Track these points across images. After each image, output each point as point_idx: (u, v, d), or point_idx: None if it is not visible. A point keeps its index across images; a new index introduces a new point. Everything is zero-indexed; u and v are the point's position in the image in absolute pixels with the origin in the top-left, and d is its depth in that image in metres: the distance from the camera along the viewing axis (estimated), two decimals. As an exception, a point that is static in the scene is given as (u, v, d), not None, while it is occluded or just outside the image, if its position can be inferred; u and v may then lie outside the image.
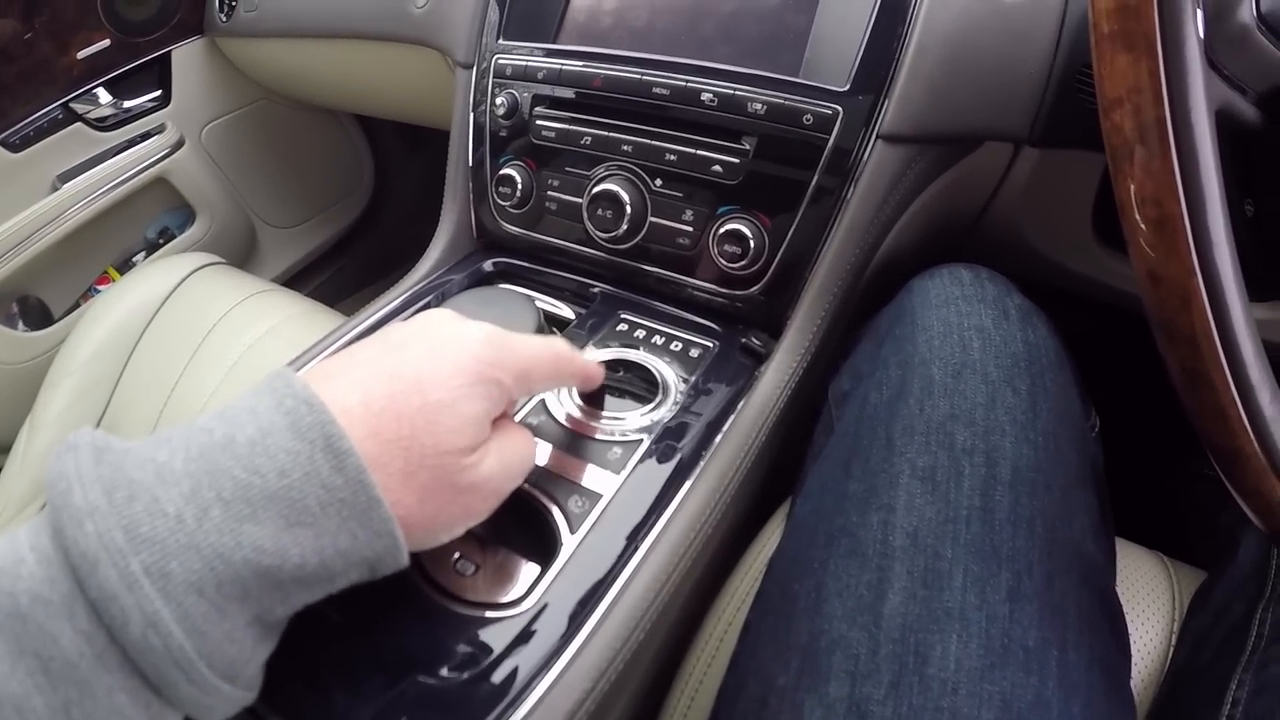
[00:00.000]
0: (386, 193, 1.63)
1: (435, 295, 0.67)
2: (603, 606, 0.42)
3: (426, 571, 0.43)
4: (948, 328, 0.53)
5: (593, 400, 0.53)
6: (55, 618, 0.27)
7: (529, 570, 0.44)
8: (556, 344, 0.44)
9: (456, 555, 0.45)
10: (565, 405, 0.53)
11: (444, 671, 0.39)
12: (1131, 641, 0.48)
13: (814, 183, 0.57)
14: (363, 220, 1.60)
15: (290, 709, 0.37)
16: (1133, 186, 0.33)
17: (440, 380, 0.36)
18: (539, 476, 0.48)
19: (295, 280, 1.50)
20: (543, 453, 0.50)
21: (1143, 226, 0.33)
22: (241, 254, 1.39)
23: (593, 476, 0.48)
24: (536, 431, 0.51)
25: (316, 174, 1.51)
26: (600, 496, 0.47)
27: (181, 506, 0.29)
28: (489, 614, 0.41)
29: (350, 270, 1.58)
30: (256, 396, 0.33)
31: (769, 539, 0.61)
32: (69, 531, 0.28)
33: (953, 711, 0.37)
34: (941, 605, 0.40)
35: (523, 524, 0.46)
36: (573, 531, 0.45)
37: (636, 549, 0.45)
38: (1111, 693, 0.41)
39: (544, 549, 0.45)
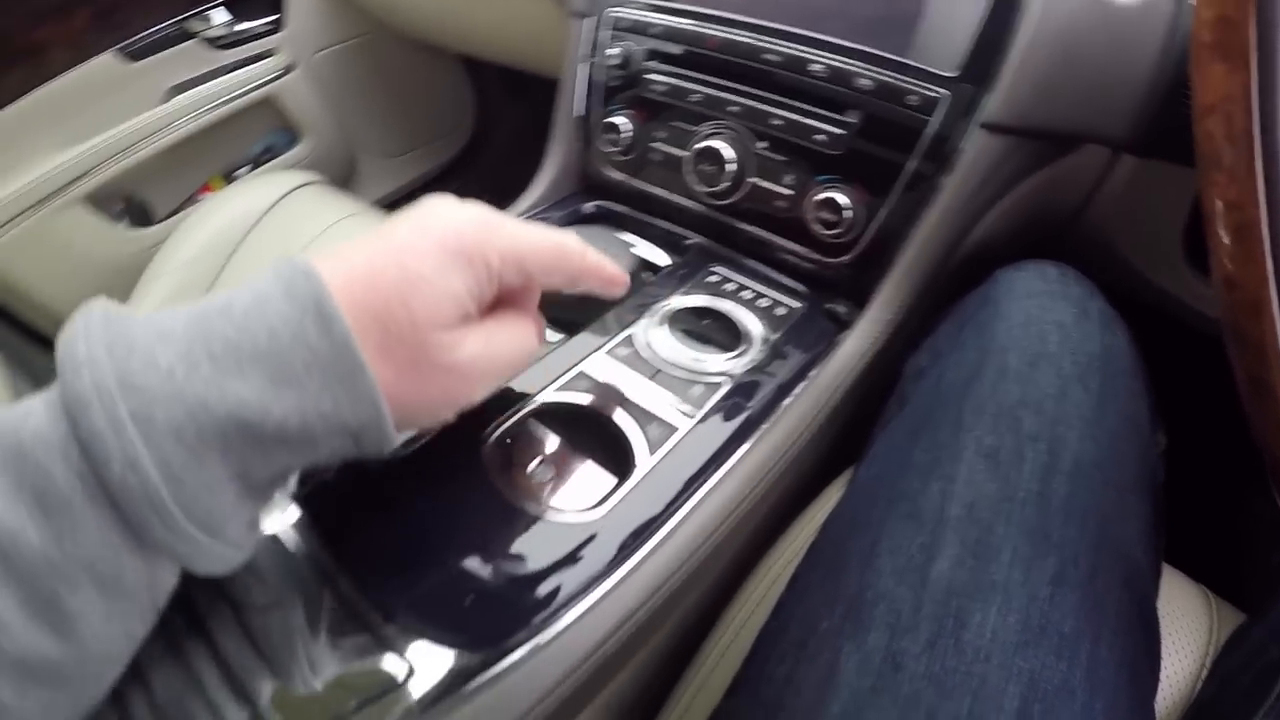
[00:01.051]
0: (486, 134, 1.67)
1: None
2: (661, 533, 0.44)
3: (507, 473, 0.46)
4: (1028, 319, 0.53)
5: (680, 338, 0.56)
6: (52, 455, 0.29)
7: (602, 484, 0.46)
8: (564, 236, 0.42)
9: (538, 460, 0.47)
10: (655, 344, 0.55)
11: (503, 566, 0.41)
12: (1161, 665, 0.48)
13: (912, 162, 0.58)
14: (460, 158, 1.65)
15: (358, 569, 0.40)
16: (1217, 193, 0.33)
17: (419, 252, 0.35)
18: (622, 401, 0.51)
19: (390, 209, 1.53)
20: (630, 381, 0.52)
21: (1223, 233, 0.33)
22: (341, 178, 1.44)
23: (672, 410, 0.51)
24: (624, 360, 0.54)
25: (419, 109, 1.55)
26: (676, 429, 0.49)
27: (174, 361, 0.30)
28: (557, 519, 0.44)
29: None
30: (260, 273, 0.34)
31: (827, 501, 0.62)
32: (69, 379, 0.30)
33: (982, 678, 0.37)
34: (987, 576, 0.41)
35: (602, 442, 0.49)
36: (651, 453, 0.48)
37: (702, 485, 0.47)
38: (1136, 702, 0.42)
39: (620, 466, 0.47)
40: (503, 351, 0.39)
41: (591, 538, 0.43)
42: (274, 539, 0.42)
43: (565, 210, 0.73)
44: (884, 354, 0.61)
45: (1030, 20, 0.56)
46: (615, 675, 0.44)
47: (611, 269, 0.45)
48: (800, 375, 0.56)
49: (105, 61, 1.16)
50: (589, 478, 0.47)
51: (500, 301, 0.41)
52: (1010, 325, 0.53)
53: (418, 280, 0.35)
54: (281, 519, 0.43)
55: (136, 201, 1.25)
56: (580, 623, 0.40)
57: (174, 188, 1.28)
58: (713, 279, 0.63)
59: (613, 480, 0.47)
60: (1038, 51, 0.56)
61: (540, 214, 0.73)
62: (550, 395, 0.51)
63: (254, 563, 0.39)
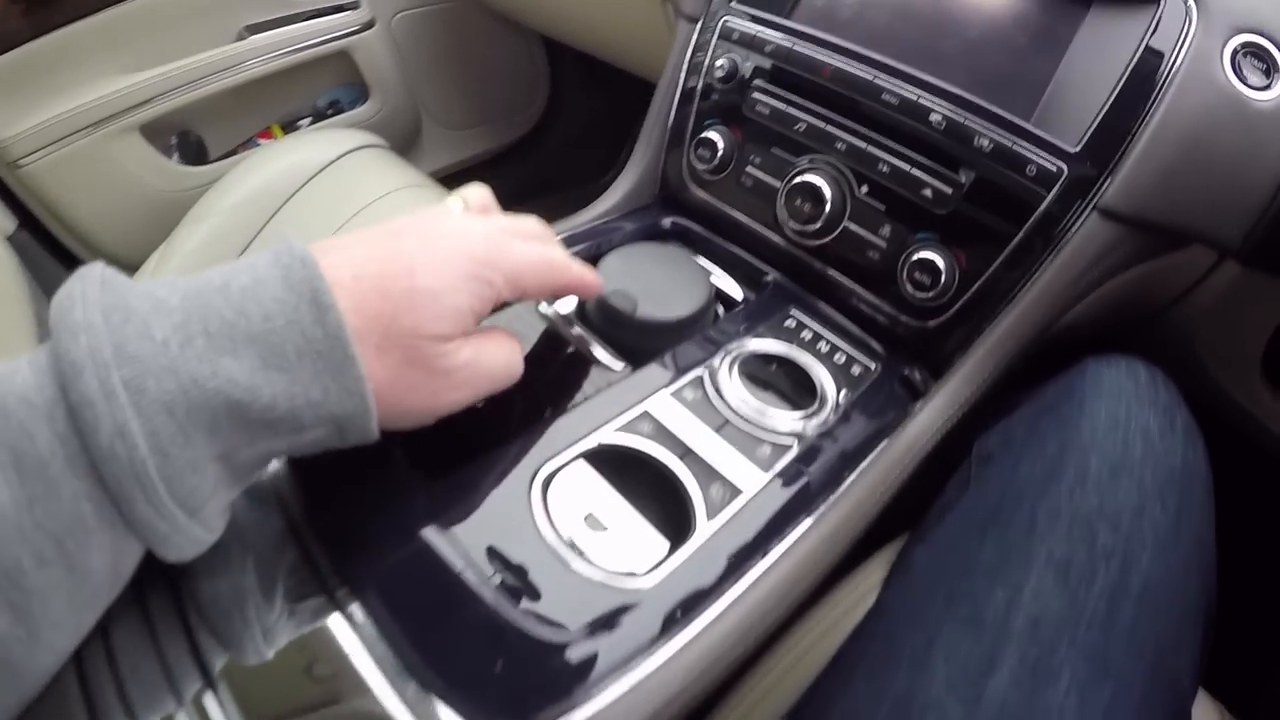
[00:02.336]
0: (555, 118, 1.63)
1: (604, 239, 0.65)
2: (711, 612, 0.41)
3: (554, 522, 0.43)
4: (1114, 421, 0.51)
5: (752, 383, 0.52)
6: (36, 418, 0.29)
7: (654, 546, 0.43)
8: (551, 250, 0.44)
9: (589, 512, 0.44)
10: (726, 392, 0.51)
11: (537, 627, 0.38)
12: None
13: (1020, 236, 0.54)
14: (526, 140, 1.62)
15: (382, 611, 0.38)
16: None
17: (432, 269, 0.37)
18: (686, 453, 0.47)
19: (446, 181, 1.49)
20: (695, 430, 0.49)
21: None
22: (403, 143, 1.41)
23: (738, 469, 0.47)
24: (691, 406, 0.50)
25: (492, 84, 1.52)
26: (740, 493, 0.46)
27: (169, 334, 0.31)
28: (602, 579, 0.41)
29: (502, 186, 1.57)
30: (259, 255, 0.34)
31: (872, 573, 0.59)
32: (63, 343, 0.29)
33: None
34: (1042, 700, 0.40)
35: (662, 498, 0.45)
36: (709, 519, 0.44)
37: (758, 562, 0.44)
38: None
39: (678, 529, 0.44)
40: (491, 364, 0.41)
41: (636, 606, 0.40)
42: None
43: (641, 223, 0.69)
44: (955, 429, 0.57)
45: (1162, 105, 0.52)
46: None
47: (591, 276, 0.47)
48: (869, 446, 0.52)
49: (184, -12, 1.14)
50: (641, 536, 0.44)
51: None
52: (1095, 425, 0.52)
53: (427, 294, 0.36)
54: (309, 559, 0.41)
55: (193, 138, 1.22)
56: (615, 705, 0.37)
57: (232, 128, 1.25)
58: (789, 323, 0.59)
59: (665, 544, 0.43)
60: (1166, 140, 0.52)
61: (614, 221, 0.69)
62: (609, 435, 0.47)
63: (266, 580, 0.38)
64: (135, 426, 0.29)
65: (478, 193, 0.49)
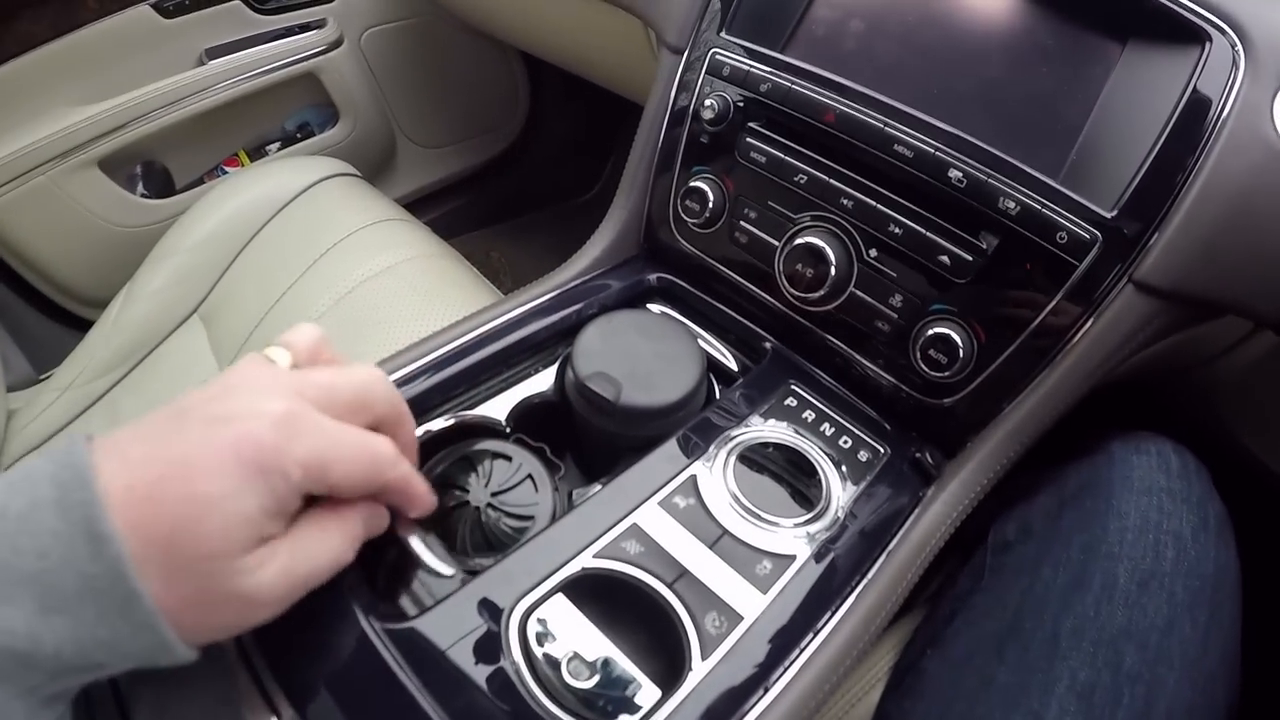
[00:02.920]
0: (535, 135, 1.57)
1: (587, 302, 0.59)
2: None
3: (536, 666, 0.38)
4: (1145, 523, 0.49)
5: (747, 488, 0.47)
6: None
7: (648, 691, 0.38)
8: (378, 443, 0.36)
9: (572, 654, 0.39)
10: (720, 495, 0.46)
11: None
12: None
13: (1048, 310, 0.48)
14: (505, 157, 1.55)
15: None
16: None
17: (210, 468, 0.30)
18: (680, 577, 0.42)
19: (423, 202, 1.46)
20: (691, 549, 0.43)
21: None
22: (377, 165, 1.35)
23: (737, 592, 0.42)
24: (683, 517, 0.45)
25: (469, 101, 1.46)
26: (741, 619, 0.41)
27: None
28: None
29: (480, 203, 1.54)
30: (46, 458, 0.30)
31: (877, 665, 0.55)
32: None
33: None
34: None
35: (653, 632, 0.40)
36: (704, 658, 0.39)
37: (761, 700, 0.39)
38: None
39: (669, 669, 0.39)
40: (305, 568, 0.34)
41: None
42: None
43: (625, 280, 0.63)
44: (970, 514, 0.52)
45: (1208, 164, 0.45)
46: None
47: (420, 488, 0.39)
48: (880, 546, 0.47)
49: (140, 14, 1.08)
50: (629, 680, 0.38)
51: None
52: (1124, 527, 0.49)
53: (205, 504, 0.30)
54: None
55: (158, 167, 1.16)
56: None
57: (198, 156, 1.20)
58: (791, 402, 0.54)
59: (656, 692, 0.38)
60: (1211, 204, 0.45)
61: (596, 279, 0.63)
62: (590, 559, 0.42)
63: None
64: None
65: (304, 338, 0.39)
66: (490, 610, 0.39)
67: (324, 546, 0.35)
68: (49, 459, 0.30)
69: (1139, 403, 0.62)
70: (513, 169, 1.56)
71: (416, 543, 0.42)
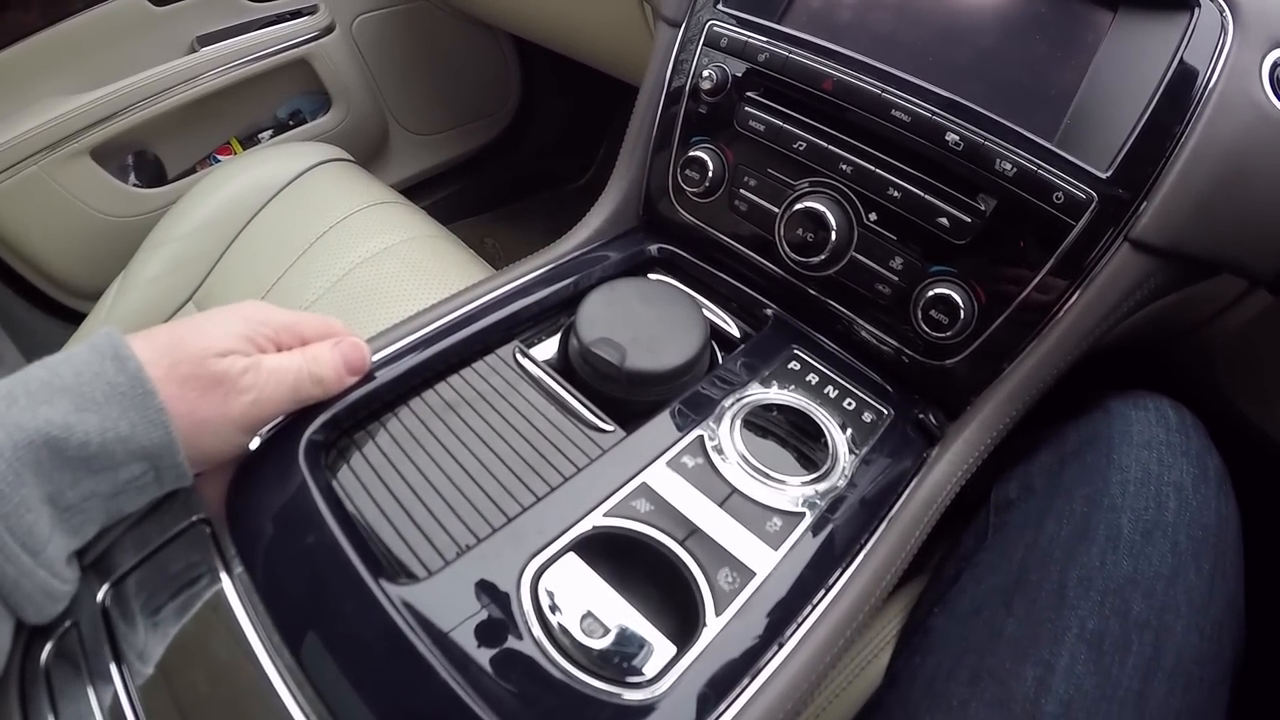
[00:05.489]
0: (528, 120, 1.56)
1: (586, 273, 0.60)
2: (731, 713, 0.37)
3: (550, 627, 0.38)
4: (1146, 475, 0.49)
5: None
6: None
7: (662, 648, 0.38)
8: (331, 320, 0.48)
9: (586, 612, 0.39)
10: (728, 455, 0.46)
11: None
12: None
13: (1046, 269, 0.49)
14: (498, 143, 1.55)
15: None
16: None
17: (210, 314, 0.44)
18: (690, 532, 0.42)
19: (417, 189, 1.45)
20: (698, 506, 0.44)
21: None
22: (369, 152, 1.34)
23: (748, 548, 0.42)
24: (692, 476, 0.45)
25: (461, 87, 1.45)
26: (754, 575, 0.41)
27: None
28: (606, 688, 0.36)
29: (473, 190, 1.53)
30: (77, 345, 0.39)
31: (885, 629, 0.56)
32: None
33: None
34: None
35: (666, 589, 0.41)
36: (718, 613, 0.39)
37: (775, 656, 0.39)
38: None
39: (684, 625, 0.39)
40: (272, 369, 0.43)
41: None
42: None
43: (626, 251, 0.63)
44: (974, 476, 0.52)
45: (1199, 125, 0.46)
46: None
47: (360, 355, 0.48)
48: (885, 507, 0.47)
49: (131, 1, 1.07)
50: (644, 637, 0.39)
51: None
52: (1125, 479, 0.49)
53: (204, 323, 0.42)
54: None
55: (150, 156, 1.16)
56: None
57: (191, 145, 1.19)
58: (794, 365, 0.54)
59: (671, 649, 0.38)
60: (1203, 164, 0.46)
61: (597, 250, 0.63)
62: (602, 519, 0.42)
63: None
64: None
65: None
66: (502, 571, 0.39)
67: (283, 359, 0.44)
68: (81, 342, 0.39)
69: (1137, 366, 0.62)
70: (506, 155, 1.55)
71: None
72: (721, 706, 0.37)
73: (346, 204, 0.97)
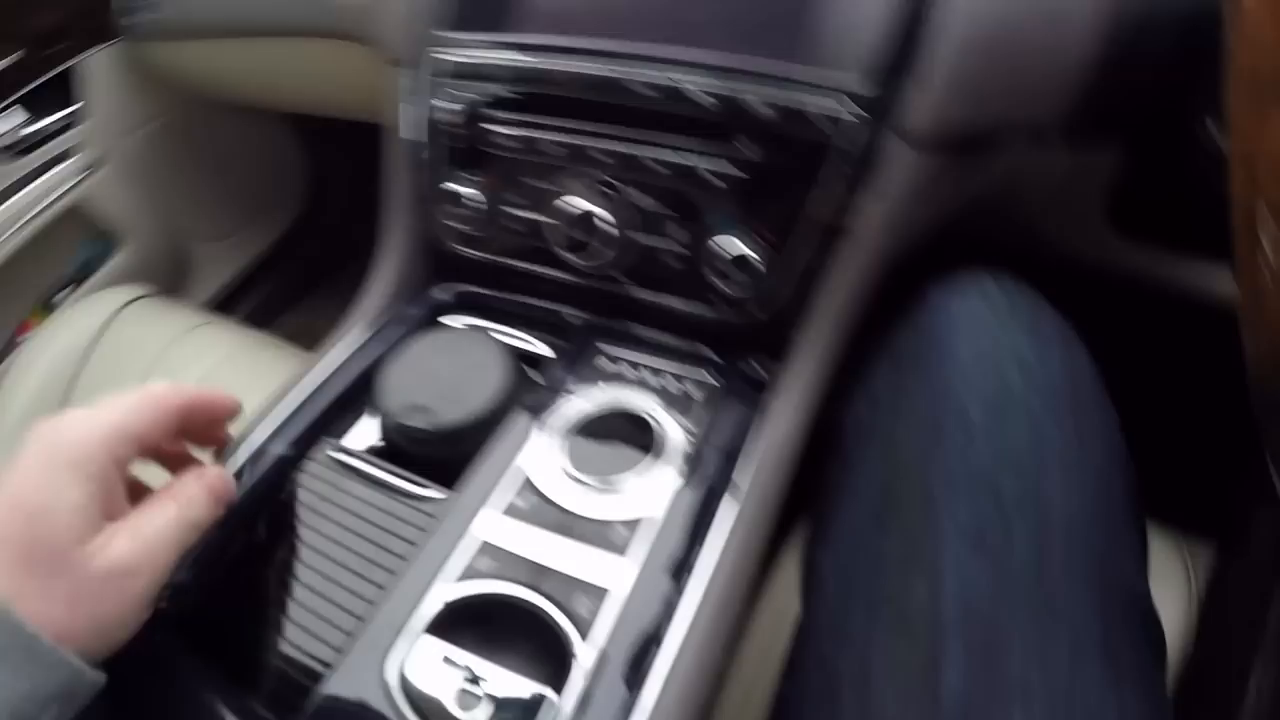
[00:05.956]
0: (324, 191, 1.50)
1: (385, 342, 0.58)
2: None
3: (422, 706, 0.37)
4: (981, 358, 0.48)
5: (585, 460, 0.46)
6: None
7: (549, 698, 0.37)
8: (151, 386, 0.41)
9: (459, 690, 0.37)
10: (554, 478, 0.45)
11: None
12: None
13: (818, 189, 0.49)
14: (301, 222, 1.48)
15: None
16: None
17: (32, 483, 0.34)
18: (533, 574, 0.41)
19: (236, 295, 1.38)
20: (543, 543, 0.43)
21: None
22: (173, 276, 1.28)
23: (598, 567, 0.41)
24: (526, 515, 0.44)
25: (247, 180, 1.38)
26: (606, 592, 0.40)
27: None
28: None
29: (294, 276, 1.47)
30: None
31: (784, 585, 0.55)
32: None
33: None
34: (1003, 679, 0.37)
35: (530, 638, 0.39)
36: (584, 638, 0.38)
37: (660, 648, 0.38)
38: (1155, 714, 0.40)
39: (559, 668, 0.38)
40: (153, 528, 0.37)
41: None
42: None
43: (419, 307, 0.61)
44: (818, 410, 0.53)
45: (942, 8, 0.46)
46: None
47: (215, 394, 0.44)
48: (732, 468, 0.47)
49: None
50: (522, 694, 0.37)
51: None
52: (962, 367, 0.48)
53: (43, 514, 0.34)
54: None
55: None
56: None
57: (-11, 333, 1.11)
58: (603, 364, 0.53)
59: (551, 693, 0.37)
60: (954, 37, 0.46)
61: (398, 315, 0.61)
62: (450, 588, 0.41)
63: None
64: None
65: None
66: (366, 684, 0.38)
67: (161, 509, 0.38)
68: None
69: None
70: (314, 230, 1.49)
71: None
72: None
73: (157, 340, 0.93)
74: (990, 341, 0.48)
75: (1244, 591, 0.49)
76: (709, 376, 0.52)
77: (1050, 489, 0.43)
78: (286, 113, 1.33)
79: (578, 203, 0.53)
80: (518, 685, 0.37)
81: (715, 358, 0.53)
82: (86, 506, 0.35)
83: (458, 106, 0.58)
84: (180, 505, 0.39)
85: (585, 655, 0.38)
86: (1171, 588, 0.54)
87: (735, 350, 0.54)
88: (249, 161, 1.37)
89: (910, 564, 0.42)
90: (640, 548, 0.42)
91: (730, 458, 0.47)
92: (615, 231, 0.53)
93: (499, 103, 0.57)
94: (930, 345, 0.50)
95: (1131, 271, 0.66)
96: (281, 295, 1.44)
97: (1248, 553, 0.50)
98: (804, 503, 0.53)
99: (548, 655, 0.39)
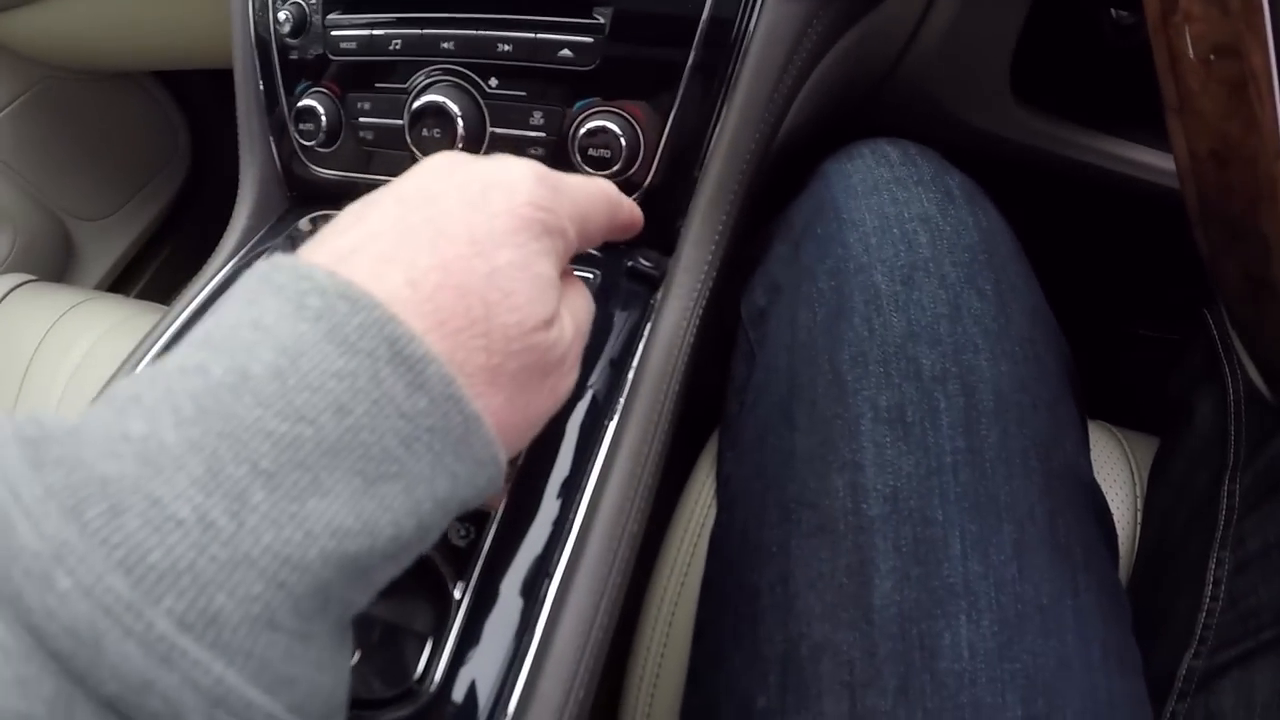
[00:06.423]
0: (207, 155, 1.41)
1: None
2: (528, 661, 0.32)
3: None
4: (884, 220, 0.43)
5: None
6: None
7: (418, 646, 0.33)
8: (605, 184, 0.34)
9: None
10: None
11: None
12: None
13: (691, 59, 0.45)
14: (187, 189, 1.40)
15: None
16: (1196, 32, 0.25)
17: (502, 236, 0.26)
18: None
19: (127, 274, 1.32)
20: None
21: (1208, 89, 0.25)
22: (59, 261, 1.21)
23: None
24: None
25: (127, 149, 1.30)
26: (485, 515, 0.36)
27: (201, 501, 0.18)
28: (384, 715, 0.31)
29: (187, 248, 1.40)
30: (252, 301, 0.22)
31: (699, 500, 0.51)
32: (31, 598, 0.16)
33: (974, 706, 0.31)
34: (942, 582, 0.34)
35: (413, 584, 0.35)
36: (461, 576, 0.34)
37: (554, 570, 0.35)
38: (1114, 609, 0.37)
39: (434, 608, 0.34)
40: (584, 320, 0.31)
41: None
42: None
43: (280, 236, 0.56)
44: (714, 300, 0.48)
45: None
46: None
47: (638, 212, 0.37)
48: (624, 373, 0.42)
49: None
50: (401, 638, 0.34)
51: None
52: (864, 233, 0.43)
53: (512, 272, 0.26)
54: None
55: None
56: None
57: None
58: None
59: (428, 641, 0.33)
60: None
61: (254, 248, 0.56)
62: None
63: None
64: (235, 680, 0.17)
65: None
66: None
67: (584, 298, 0.33)
68: (263, 296, 0.22)
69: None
70: (201, 197, 1.41)
71: None
72: (523, 655, 0.32)
73: (41, 322, 0.87)
74: (891, 203, 0.44)
75: (1191, 475, 0.46)
76: (592, 275, 0.47)
77: (975, 361, 0.38)
78: (156, 72, 1.25)
79: (429, 99, 0.48)
80: (392, 632, 0.34)
81: (599, 255, 0.49)
82: (554, 282, 0.28)
83: (298, 14, 0.53)
84: (589, 300, 0.33)
85: (463, 593, 0.34)
86: (1114, 476, 0.51)
87: (621, 247, 0.49)
88: (124, 130, 1.28)
89: (826, 459, 0.38)
90: (522, 464, 0.38)
91: (624, 356, 0.43)
92: (472, 125, 0.48)
93: (338, 3, 0.52)
94: (826, 214, 0.45)
95: (1033, 142, 0.64)
96: (179, 267, 1.36)
97: (1191, 438, 0.48)
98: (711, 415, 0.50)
99: (431, 602, 0.35)
